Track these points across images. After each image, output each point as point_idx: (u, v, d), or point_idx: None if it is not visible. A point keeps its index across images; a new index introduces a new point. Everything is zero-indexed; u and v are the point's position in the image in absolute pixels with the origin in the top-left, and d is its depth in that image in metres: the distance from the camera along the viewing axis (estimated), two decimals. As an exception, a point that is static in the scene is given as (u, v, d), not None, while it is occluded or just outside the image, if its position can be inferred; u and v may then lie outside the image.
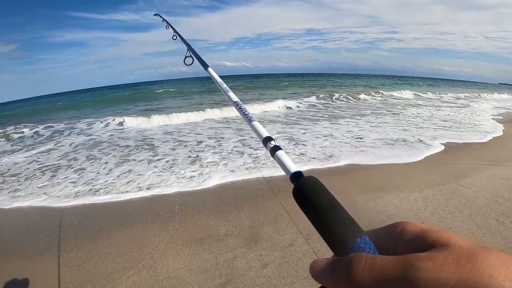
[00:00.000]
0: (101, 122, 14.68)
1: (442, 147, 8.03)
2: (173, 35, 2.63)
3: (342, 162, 6.79)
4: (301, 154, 7.70)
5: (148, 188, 5.89)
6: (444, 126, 11.38)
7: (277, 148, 0.67)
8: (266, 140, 0.72)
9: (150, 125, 13.69)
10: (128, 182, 6.34)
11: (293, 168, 0.59)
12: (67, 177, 6.94)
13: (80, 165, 7.95)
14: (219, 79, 1.32)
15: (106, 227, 4.53)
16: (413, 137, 9.24)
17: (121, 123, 14.25)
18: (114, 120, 14.74)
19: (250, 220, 4.36)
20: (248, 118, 0.88)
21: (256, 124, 0.82)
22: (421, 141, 8.66)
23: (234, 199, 5.16)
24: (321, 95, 23.21)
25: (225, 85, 1.22)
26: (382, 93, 26.47)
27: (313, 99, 21.90)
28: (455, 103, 22.34)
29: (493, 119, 13.57)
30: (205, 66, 1.62)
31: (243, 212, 4.60)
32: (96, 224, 4.68)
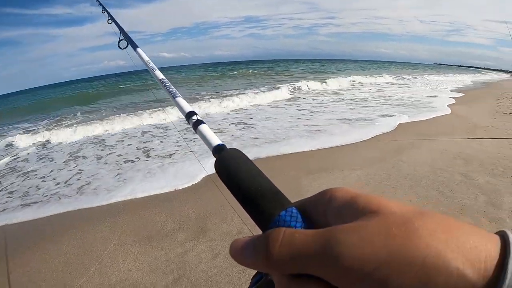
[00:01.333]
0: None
1: (384, 125, 8.47)
2: (108, 19, 2.51)
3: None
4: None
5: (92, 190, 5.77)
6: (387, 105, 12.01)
7: (199, 122, 0.66)
8: (189, 114, 0.71)
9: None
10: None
11: (216, 141, 0.57)
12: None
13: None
14: (146, 58, 1.38)
15: (52, 238, 4.40)
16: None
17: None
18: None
19: (196, 212, 4.43)
20: (172, 95, 0.89)
21: (180, 99, 0.83)
22: (360, 119, 9.05)
23: (178, 192, 5.20)
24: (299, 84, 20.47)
25: (151, 64, 1.27)
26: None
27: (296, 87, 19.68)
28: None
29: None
30: (135, 46, 1.65)
31: (189, 205, 4.66)
32: (38, 236, 4.54)
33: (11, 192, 6.40)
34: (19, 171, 7.82)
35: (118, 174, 6.54)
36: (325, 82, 20.74)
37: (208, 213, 4.33)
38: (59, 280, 3.55)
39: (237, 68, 50.15)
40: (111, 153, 8.40)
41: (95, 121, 12.15)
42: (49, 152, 9.29)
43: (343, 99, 14.51)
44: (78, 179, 6.55)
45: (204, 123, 0.65)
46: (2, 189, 6.72)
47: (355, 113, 10.19)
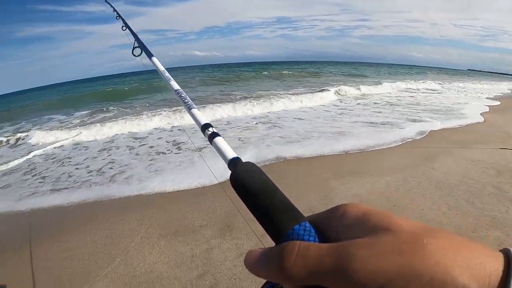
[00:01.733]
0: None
1: (415, 132, 8.25)
2: (122, 26, 2.50)
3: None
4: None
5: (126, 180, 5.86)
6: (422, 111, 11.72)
7: (215, 134, 0.66)
8: (205, 127, 0.71)
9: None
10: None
11: (231, 154, 0.57)
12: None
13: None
14: (162, 68, 1.35)
15: (81, 226, 4.49)
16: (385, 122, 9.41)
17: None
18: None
19: (224, 210, 4.40)
20: (188, 106, 0.88)
21: (196, 111, 0.82)
22: (392, 125, 8.85)
23: (207, 188, 5.19)
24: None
25: (167, 74, 1.24)
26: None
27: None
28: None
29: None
30: (150, 55, 1.63)
31: (217, 202, 4.63)
32: (64, 224, 4.66)
33: (43, 177, 6.61)
34: (54, 159, 8.10)
35: (149, 164, 6.71)
36: (367, 86, 20.08)
37: (235, 212, 4.30)
38: (84, 268, 3.59)
39: (270, 68, 49.69)
40: (143, 144, 8.66)
41: (128, 116, 12.41)
42: (83, 143, 9.55)
43: (388, 103, 14.22)
44: (111, 168, 6.78)
45: (219, 135, 0.66)
46: (35, 174, 6.94)
47: (387, 118, 9.98)
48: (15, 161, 8.31)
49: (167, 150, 7.94)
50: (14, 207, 5.38)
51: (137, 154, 7.93)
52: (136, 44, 1.94)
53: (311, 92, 16.74)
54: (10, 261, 3.93)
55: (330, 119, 10.38)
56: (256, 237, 3.72)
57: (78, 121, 14.21)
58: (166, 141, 8.80)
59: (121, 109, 16.09)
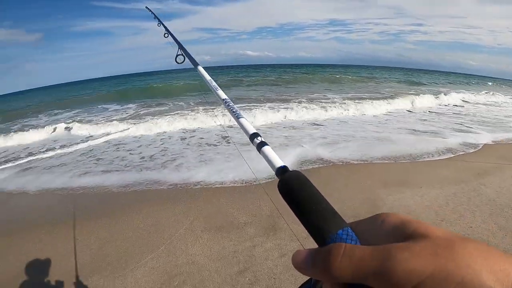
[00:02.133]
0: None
1: (468, 145, 7.81)
2: (165, 33, 2.53)
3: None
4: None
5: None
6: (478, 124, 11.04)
7: (263, 143, 0.68)
8: (253, 136, 0.73)
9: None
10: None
11: (279, 163, 0.59)
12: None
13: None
14: (208, 77, 1.33)
15: (128, 210, 4.65)
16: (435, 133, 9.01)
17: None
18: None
19: (270, 210, 4.35)
20: (236, 115, 0.89)
21: (244, 121, 0.83)
22: (444, 137, 8.45)
23: (254, 186, 5.18)
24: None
25: (214, 83, 1.23)
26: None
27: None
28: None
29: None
30: (195, 64, 1.62)
31: (263, 201, 4.59)
32: (115, 207, 4.84)
33: (98, 159, 6.92)
34: (110, 144, 8.55)
35: (200, 154, 6.88)
36: (440, 96, 17.94)
37: (281, 212, 4.25)
38: (128, 252, 3.68)
39: (323, 71, 48.62)
40: (193, 136, 8.90)
41: (181, 110, 12.77)
42: (137, 133, 9.94)
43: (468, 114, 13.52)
44: (163, 155, 7.02)
45: (267, 144, 0.67)
46: (90, 156, 7.30)
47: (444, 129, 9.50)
48: (75, 146, 8.83)
49: (217, 142, 8.21)
50: (66, 184, 5.64)
51: (188, 144, 8.29)
52: (179, 52, 1.97)
53: (375, 99, 15.89)
54: (56, 235, 4.11)
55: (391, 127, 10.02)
56: (298, 239, 3.66)
57: (133, 111, 14.79)
58: (216, 134, 9.11)
59: (175, 103, 16.55)
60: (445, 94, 18.48)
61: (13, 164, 7.84)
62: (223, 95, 1.08)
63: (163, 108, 15.30)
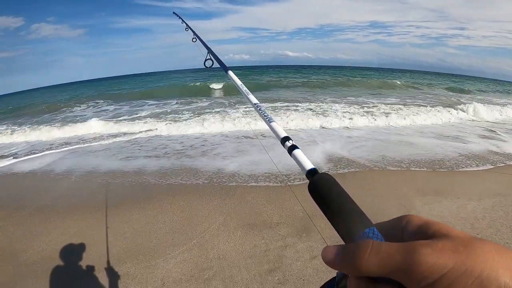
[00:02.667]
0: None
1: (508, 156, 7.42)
2: (193, 38, 2.57)
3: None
4: None
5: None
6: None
7: (294, 147, 0.71)
8: (284, 139, 0.76)
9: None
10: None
11: (309, 165, 0.62)
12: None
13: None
14: (239, 82, 1.33)
15: (163, 202, 4.76)
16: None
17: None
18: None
19: (303, 211, 4.31)
20: (267, 119, 0.91)
21: (275, 125, 0.86)
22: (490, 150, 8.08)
23: (289, 187, 5.14)
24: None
25: (245, 88, 1.24)
26: None
27: None
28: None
29: None
30: (226, 69, 1.61)
31: (297, 202, 4.55)
32: (152, 196, 4.99)
33: (141, 146, 7.18)
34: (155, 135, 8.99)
35: (237, 146, 7.18)
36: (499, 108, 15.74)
37: (314, 215, 4.18)
38: (160, 243, 3.75)
39: (363, 74, 47.22)
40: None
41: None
42: (178, 126, 10.23)
43: None
44: (203, 145, 7.16)
45: (298, 147, 0.70)
46: (134, 144, 7.58)
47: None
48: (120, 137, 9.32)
49: (254, 136, 8.48)
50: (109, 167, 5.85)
51: (226, 137, 8.72)
52: (208, 57, 2.00)
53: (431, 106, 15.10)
54: (92, 220, 4.29)
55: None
56: (330, 243, 3.59)
57: (176, 106, 15.21)
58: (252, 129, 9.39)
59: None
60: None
61: (62, 149, 8.29)
62: (254, 99, 1.10)
63: (203, 104, 15.66)
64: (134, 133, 10.22)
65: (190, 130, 10.05)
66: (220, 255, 3.46)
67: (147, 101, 18.68)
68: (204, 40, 2.29)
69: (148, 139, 9.13)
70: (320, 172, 0.57)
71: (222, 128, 9.97)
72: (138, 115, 13.58)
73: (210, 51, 2.01)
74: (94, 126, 11.34)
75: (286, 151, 0.72)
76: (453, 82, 43.39)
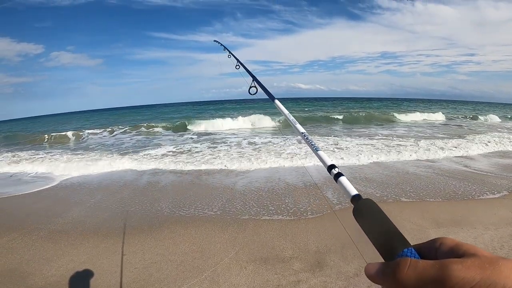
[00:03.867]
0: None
1: None
2: (236, 65, 2.62)
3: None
4: None
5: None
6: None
7: (340, 174, 0.77)
8: (330, 167, 0.83)
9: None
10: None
11: (353, 191, 0.68)
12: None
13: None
14: (286, 111, 1.35)
15: (174, 232, 4.73)
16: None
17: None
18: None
19: (317, 245, 4.22)
20: (314, 148, 0.97)
21: (321, 153, 0.92)
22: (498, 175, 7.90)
23: (302, 221, 5.07)
24: None
25: (291, 117, 1.27)
26: None
27: None
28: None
29: None
30: (272, 98, 1.63)
31: (310, 237, 4.48)
32: (165, 226, 4.96)
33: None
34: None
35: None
36: None
37: (328, 249, 4.12)
38: (171, 275, 3.68)
39: (376, 107, 46.91)
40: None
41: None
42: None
43: None
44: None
45: (343, 175, 0.76)
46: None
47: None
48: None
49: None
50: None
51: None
52: (253, 84, 2.02)
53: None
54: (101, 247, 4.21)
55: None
56: (345, 278, 3.52)
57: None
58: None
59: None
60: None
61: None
62: (301, 128, 1.15)
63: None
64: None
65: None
66: (232, 289, 3.38)
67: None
68: (247, 68, 2.34)
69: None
70: (363, 198, 0.64)
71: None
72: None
73: (254, 78, 2.03)
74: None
75: (332, 178, 0.79)
76: (467, 109, 43.14)
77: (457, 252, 0.46)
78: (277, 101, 1.53)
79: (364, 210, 0.61)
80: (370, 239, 0.56)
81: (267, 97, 1.74)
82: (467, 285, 0.39)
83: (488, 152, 11.45)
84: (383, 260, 0.52)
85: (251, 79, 2.05)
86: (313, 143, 1.00)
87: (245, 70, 2.33)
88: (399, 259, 0.47)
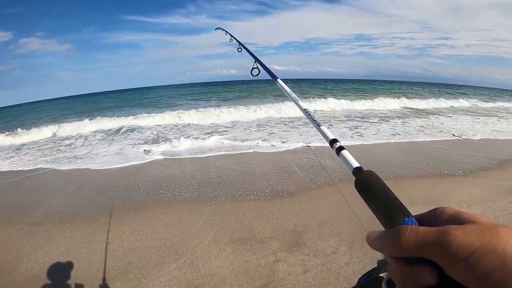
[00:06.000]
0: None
1: (495, 161, 7.54)
2: (238, 48, 2.72)
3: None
4: None
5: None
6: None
7: (341, 148, 0.78)
8: (332, 141, 0.83)
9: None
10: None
11: (355, 163, 0.69)
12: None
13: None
14: (288, 90, 1.39)
15: (151, 217, 4.74)
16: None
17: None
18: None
19: (294, 225, 4.30)
20: (316, 123, 0.98)
21: (324, 128, 0.93)
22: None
23: (279, 201, 5.14)
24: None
25: (294, 95, 1.30)
26: None
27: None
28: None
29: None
30: (274, 77, 1.67)
31: (287, 217, 4.55)
32: (140, 211, 4.98)
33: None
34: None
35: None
36: None
37: (305, 228, 4.19)
38: (151, 260, 3.71)
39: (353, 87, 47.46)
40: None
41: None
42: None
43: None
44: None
45: (345, 149, 0.77)
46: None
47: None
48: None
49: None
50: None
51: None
52: (255, 65, 2.06)
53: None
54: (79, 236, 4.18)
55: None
56: (322, 256, 3.60)
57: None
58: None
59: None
60: None
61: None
62: (303, 105, 1.17)
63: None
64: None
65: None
66: (212, 272, 3.43)
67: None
68: (250, 49, 2.37)
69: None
70: (365, 170, 0.65)
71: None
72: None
73: (257, 59, 2.06)
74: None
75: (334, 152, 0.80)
76: (442, 91, 43.68)
77: (457, 220, 0.47)
78: (279, 80, 1.58)
79: (366, 181, 0.62)
80: (372, 209, 0.58)
81: (270, 77, 1.76)
82: (467, 250, 0.40)
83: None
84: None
85: (253, 60, 2.09)
86: (314, 118, 1.02)
87: (248, 53, 2.36)
88: (400, 226, 0.48)
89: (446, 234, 0.42)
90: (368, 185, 0.61)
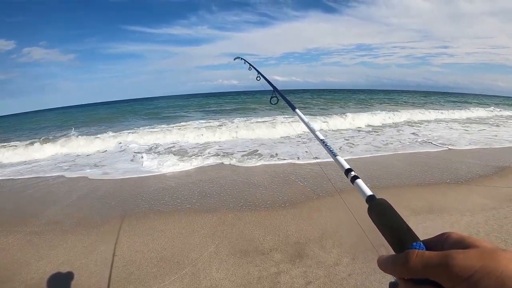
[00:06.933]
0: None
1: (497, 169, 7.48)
2: (257, 76, 2.87)
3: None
4: None
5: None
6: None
7: (356, 177, 0.84)
8: (347, 171, 0.91)
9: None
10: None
11: (368, 192, 0.76)
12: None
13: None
14: (306, 120, 1.46)
15: (152, 229, 4.69)
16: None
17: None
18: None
19: (297, 236, 4.27)
20: (333, 154, 1.04)
21: (339, 158, 0.99)
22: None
23: (281, 213, 5.10)
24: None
25: (312, 125, 1.37)
26: None
27: None
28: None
29: None
30: (293, 108, 1.75)
31: (289, 228, 4.53)
32: (141, 222, 4.94)
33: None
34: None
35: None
36: None
37: (307, 239, 4.16)
38: (152, 272, 3.67)
39: (354, 97, 47.47)
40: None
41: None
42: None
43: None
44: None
45: (359, 178, 0.84)
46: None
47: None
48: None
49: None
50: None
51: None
52: (274, 94, 2.18)
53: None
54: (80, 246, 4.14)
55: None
56: (325, 267, 3.57)
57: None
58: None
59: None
60: None
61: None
62: (321, 136, 1.24)
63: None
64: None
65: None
66: (213, 284, 3.39)
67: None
68: (268, 79, 2.54)
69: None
70: (377, 198, 0.72)
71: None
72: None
73: (275, 89, 2.18)
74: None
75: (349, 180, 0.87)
76: (450, 99, 43.81)
77: (461, 244, 0.51)
78: (297, 110, 1.64)
79: (378, 209, 0.68)
80: (383, 234, 0.63)
81: (288, 105, 1.85)
82: (468, 272, 0.44)
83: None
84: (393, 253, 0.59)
85: (272, 90, 2.21)
86: (331, 148, 1.08)
87: (266, 82, 2.55)
88: (408, 251, 0.53)
89: (449, 257, 0.47)
90: (380, 212, 0.67)
